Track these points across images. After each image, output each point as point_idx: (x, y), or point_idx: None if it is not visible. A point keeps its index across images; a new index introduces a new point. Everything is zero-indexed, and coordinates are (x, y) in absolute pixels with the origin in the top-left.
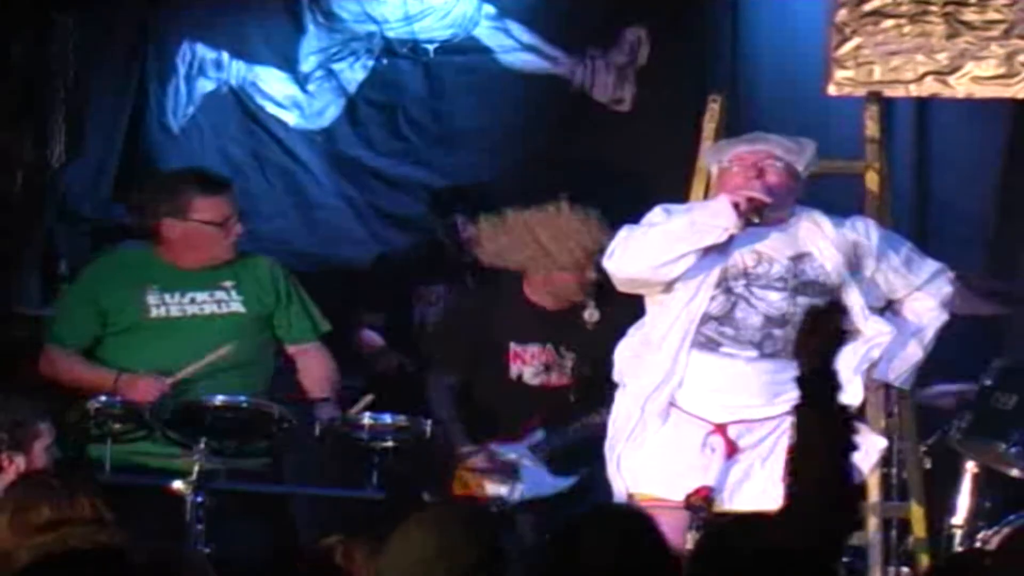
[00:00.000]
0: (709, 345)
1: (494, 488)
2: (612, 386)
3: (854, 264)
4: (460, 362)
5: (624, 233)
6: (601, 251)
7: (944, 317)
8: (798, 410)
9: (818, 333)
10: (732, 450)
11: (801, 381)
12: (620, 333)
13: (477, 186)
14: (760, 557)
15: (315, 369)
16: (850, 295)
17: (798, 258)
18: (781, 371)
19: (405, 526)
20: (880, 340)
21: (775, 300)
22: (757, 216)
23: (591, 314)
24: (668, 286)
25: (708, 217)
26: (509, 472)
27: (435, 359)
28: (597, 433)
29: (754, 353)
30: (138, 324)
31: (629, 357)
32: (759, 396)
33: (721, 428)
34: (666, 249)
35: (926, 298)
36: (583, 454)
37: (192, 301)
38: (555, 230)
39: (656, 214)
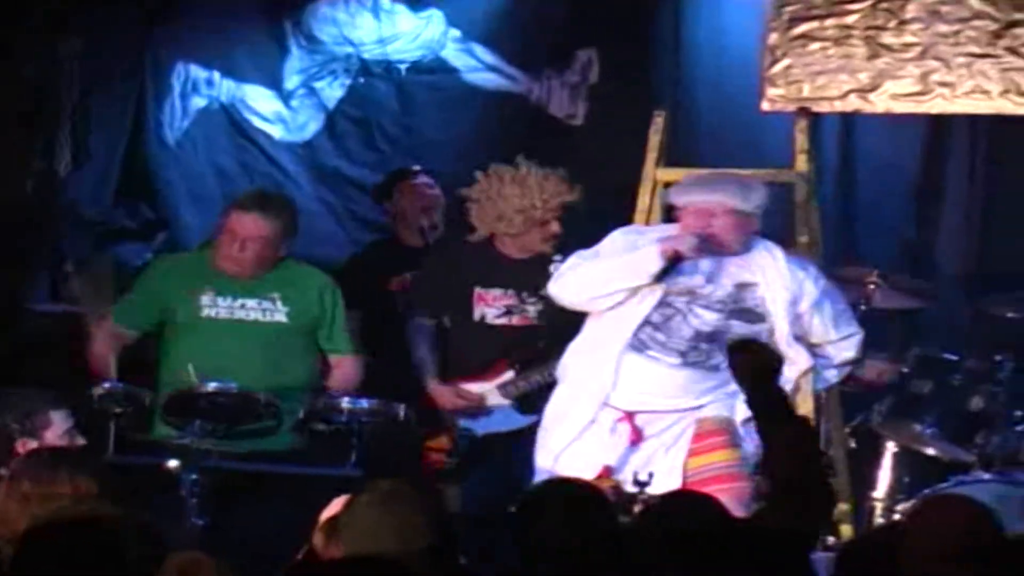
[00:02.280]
0: (639, 346)
1: (464, 421)
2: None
3: (795, 299)
4: (432, 304)
5: (572, 262)
6: (563, 206)
7: (832, 379)
8: (759, 426)
9: (748, 357)
10: (637, 437)
11: (751, 403)
12: None
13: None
14: (702, 534)
15: (341, 374)
16: (779, 321)
17: (742, 286)
18: (699, 380)
19: (360, 500)
20: (799, 367)
21: (710, 319)
22: (679, 263)
23: (556, 267)
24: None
25: (638, 261)
26: (477, 406)
27: (412, 302)
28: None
29: (677, 361)
30: (190, 322)
31: (575, 353)
32: (672, 396)
33: (630, 416)
34: (600, 285)
35: (835, 352)
36: (546, 395)
37: (242, 307)
38: (520, 187)
39: (611, 240)
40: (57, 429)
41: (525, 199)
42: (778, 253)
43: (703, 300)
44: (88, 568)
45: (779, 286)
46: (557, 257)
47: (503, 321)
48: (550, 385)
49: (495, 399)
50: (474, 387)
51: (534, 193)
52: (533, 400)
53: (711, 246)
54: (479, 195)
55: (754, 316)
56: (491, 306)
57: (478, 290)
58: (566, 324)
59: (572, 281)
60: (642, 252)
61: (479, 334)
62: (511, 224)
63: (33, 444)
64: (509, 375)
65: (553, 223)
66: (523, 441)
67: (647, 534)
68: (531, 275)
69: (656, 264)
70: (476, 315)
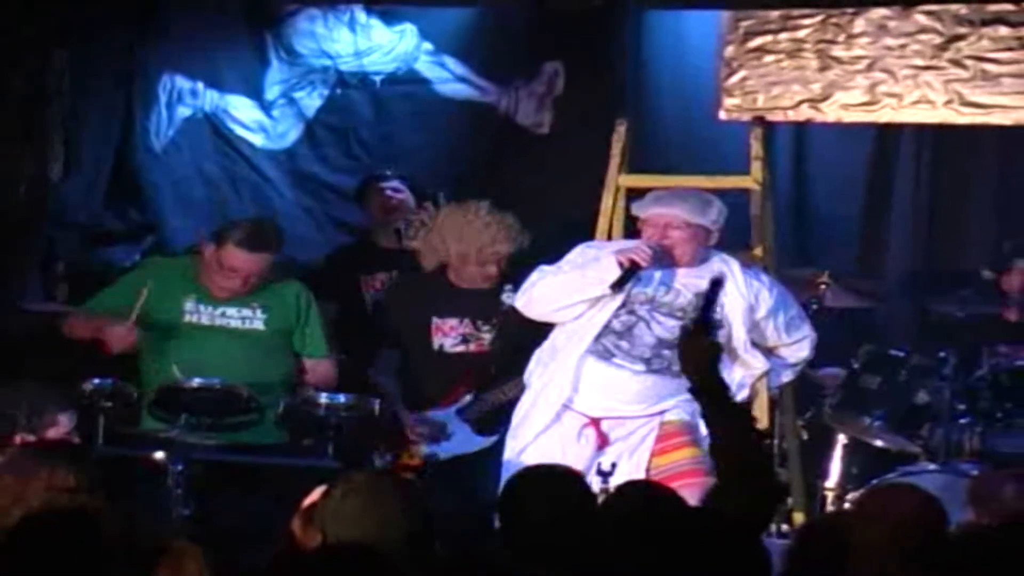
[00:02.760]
0: (604, 355)
1: (427, 447)
2: (527, 361)
3: (751, 307)
4: (393, 337)
5: (535, 277)
6: (499, 255)
7: (786, 379)
8: (705, 418)
9: (696, 346)
10: (603, 442)
11: (696, 392)
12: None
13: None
14: (656, 520)
15: (319, 375)
16: (736, 328)
17: (702, 295)
18: (663, 386)
19: (339, 490)
20: (755, 372)
21: (672, 326)
22: (635, 272)
23: (508, 297)
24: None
25: (596, 272)
26: (440, 433)
27: (375, 336)
28: (513, 399)
29: (642, 367)
30: (173, 325)
31: (538, 362)
32: (637, 402)
33: (596, 422)
34: (560, 297)
35: (789, 354)
36: (502, 416)
37: (223, 315)
38: (462, 229)
39: (574, 254)
40: (61, 430)
41: (461, 243)
42: (734, 265)
43: (665, 308)
44: (71, 560)
45: (736, 295)
46: (508, 286)
47: (460, 349)
48: (505, 406)
49: (456, 423)
50: (435, 414)
51: (471, 241)
52: (490, 422)
53: (667, 257)
54: (430, 225)
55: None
56: (448, 335)
57: (435, 320)
58: (517, 348)
59: (536, 295)
60: (600, 263)
61: (438, 363)
62: (447, 256)
63: (31, 440)
64: (467, 399)
65: (490, 266)
66: (484, 461)
67: (605, 521)
68: (484, 303)
69: (613, 273)
70: (435, 344)
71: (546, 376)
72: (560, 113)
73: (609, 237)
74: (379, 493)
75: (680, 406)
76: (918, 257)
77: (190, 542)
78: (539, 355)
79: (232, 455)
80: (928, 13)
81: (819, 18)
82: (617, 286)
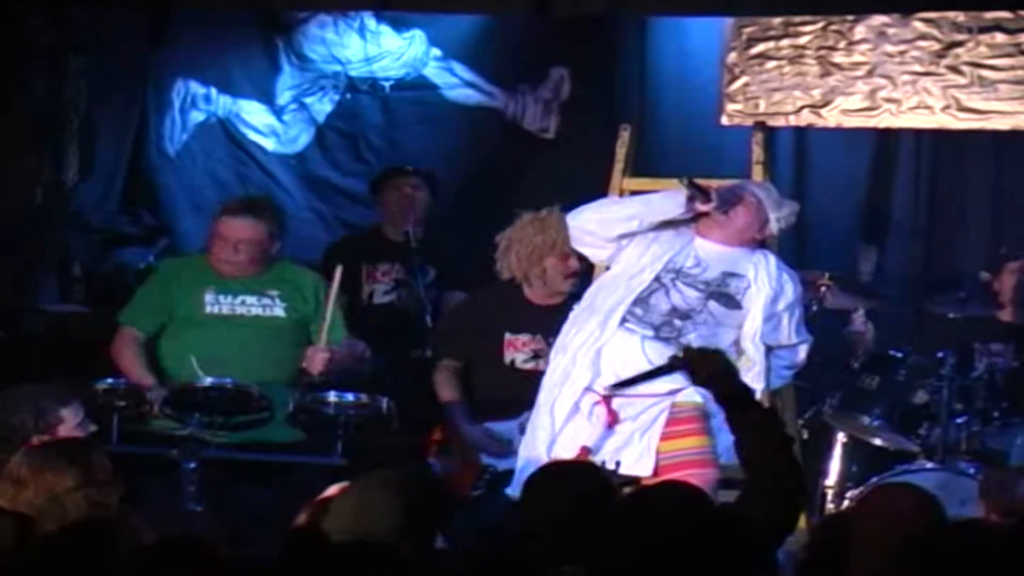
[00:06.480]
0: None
1: (487, 458)
2: None
3: (775, 298)
4: (460, 351)
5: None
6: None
7: (787, 378)
8: (731, 424)
9: (705, 358)
10: (613, 419)
11: (719, 400)
12: None
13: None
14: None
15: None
16: (754, 315)
17: (730, 275)
18: (668, 355)
19: (352, 489)
20: (758, 366)
21: (691, 296)
22: (699, 198)
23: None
24: (613, 257)
25: (661, 197)
26: (501, 446)
27: (440, 349)
28: None
29: (650, 333)
30: (194, 318)
31: (573, 323)
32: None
33: (606, 399)
34: (617, 210)
35: (790, 355)
36: None
37: (243, 303)
38: (539, 225)
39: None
40: (70, 424)
41: (542, 234)
42: (771, 257)
43: (689, 279)
44: (85, 557)
45: (765, 283)
46: (577, 304)
47: (531, 366)
48: None
49: (516, 438)
50: (499, 427)
51: (551, 229)
52: None
53: (727, 212)
54: (504, 240)
55: (732, 303)
56: (520, 351)
57: (508, 335)
58: None
59: (593, 208)
60: (666, 192)
61: (508, 377)
62: (529, 261)
63: (46, 439)
64: (527, 415)
65: (572, 258)
66: None
67: (635, 519)
68: (555, 320)
69: (679, 199)
70: (506, 359)
71: (579, 339)
72: (565, 118)
73: None
74: (370, 488)
75: (693, 386)
76: (916, 259)
77: (202, 536)
78: (574, 316)
79: (243, 453)
80: (927, 20)
81: (820, 25)
82: (692, 195)
